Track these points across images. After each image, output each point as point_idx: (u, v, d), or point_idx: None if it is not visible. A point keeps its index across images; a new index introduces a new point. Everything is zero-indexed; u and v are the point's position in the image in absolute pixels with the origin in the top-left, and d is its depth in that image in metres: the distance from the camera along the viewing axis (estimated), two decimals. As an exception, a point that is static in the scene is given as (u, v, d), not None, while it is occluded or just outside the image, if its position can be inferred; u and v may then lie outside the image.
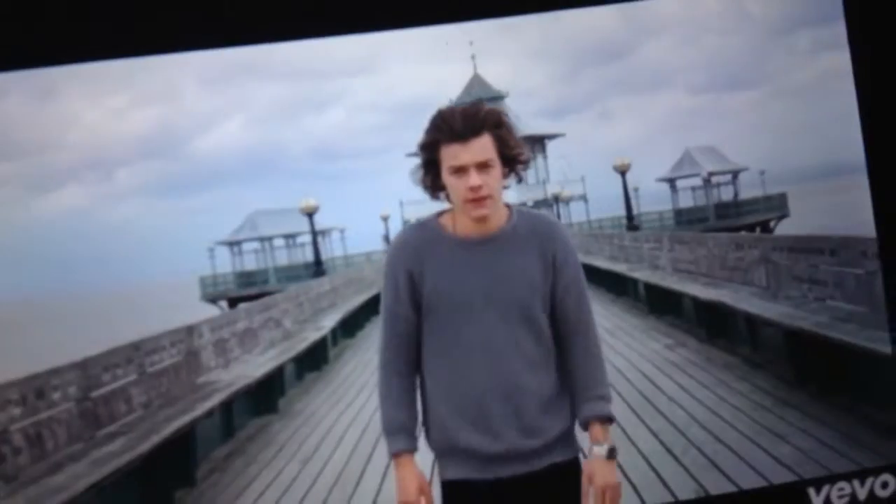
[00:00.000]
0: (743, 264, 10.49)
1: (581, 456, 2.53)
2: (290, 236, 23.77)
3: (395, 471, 2.50)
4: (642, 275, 14.13)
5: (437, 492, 2.53)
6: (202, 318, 10.57)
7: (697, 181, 23.16)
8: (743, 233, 19.97)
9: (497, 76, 24.71)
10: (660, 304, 12.66)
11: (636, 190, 22.09)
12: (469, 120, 2.35)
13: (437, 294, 2.44)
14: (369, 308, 17.05)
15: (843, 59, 4.01)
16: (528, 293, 2.43)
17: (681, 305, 11.85)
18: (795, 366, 7.62)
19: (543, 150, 25.02)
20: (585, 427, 2.48)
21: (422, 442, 2.53)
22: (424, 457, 2.54)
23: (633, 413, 7.17)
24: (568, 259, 2.48)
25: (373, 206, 24.32)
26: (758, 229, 22.68)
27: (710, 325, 10.27)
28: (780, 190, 23.22)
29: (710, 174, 22.99)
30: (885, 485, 3.84)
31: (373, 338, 14.50)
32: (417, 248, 2.47)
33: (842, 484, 3.84)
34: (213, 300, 23.04)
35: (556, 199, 24.52)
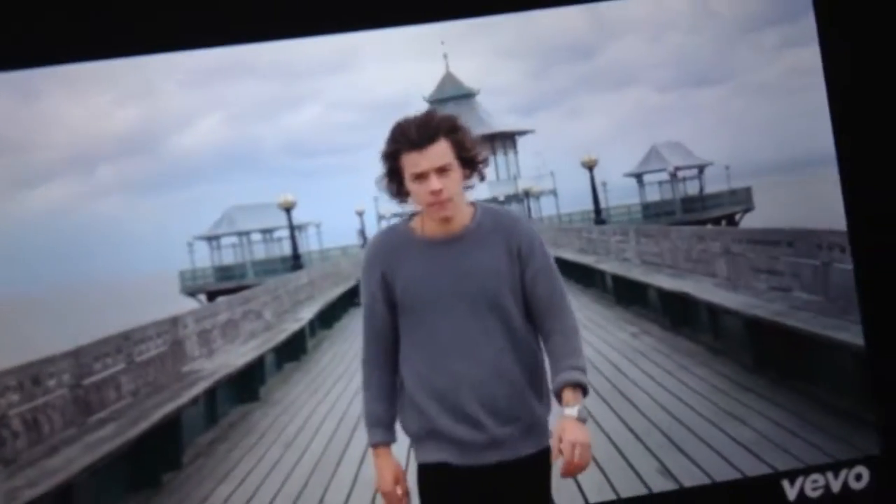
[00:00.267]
0: (706, 256, 10.67)
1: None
2: (267, 231, 23.79)
3: (373, 460, 2.63)
4: (609, 266, 14.28)
5: (412, 479, 2.66)
6: (183, 310, 10.67)
7: (664, 176, 23.39)
8: (708, 226, 20.24)
9: (469, 74, 25.00)
10: (626, 294, 12.80)
11: (605, 184, 22.29)
12: (424, 129, 2.46)
13: (408, 292, 2.55)
14: (346, 300, 17.21)
15: (808, 56, 4.00)
16: (494, 283, 2.52)
17: (646, 296, 12.01)
18: (755, 352, 7.79)
19: (514, 146, 25.19)
20: (560, 399, 2.52)
21: (399, 432, 2.65)
22: (401, 445, 2.66)
23: (599, 398, 7.33)
24: (534, 249, 2.57)
25: (348, 201, 24.48)
26: (723, 222, 22.97)
27: (675, 314, 10.43)
28: (745, 184, 23.60)
29: (677, 169, 23.25)
30: (858, 477, 3.83)
31: (350, 329, 14.77)
32: (389, 252, 2.59)
33: (815, 476, 3.83)
34: (192, 293, 23.05)
35: (527, 194, 24.70)
